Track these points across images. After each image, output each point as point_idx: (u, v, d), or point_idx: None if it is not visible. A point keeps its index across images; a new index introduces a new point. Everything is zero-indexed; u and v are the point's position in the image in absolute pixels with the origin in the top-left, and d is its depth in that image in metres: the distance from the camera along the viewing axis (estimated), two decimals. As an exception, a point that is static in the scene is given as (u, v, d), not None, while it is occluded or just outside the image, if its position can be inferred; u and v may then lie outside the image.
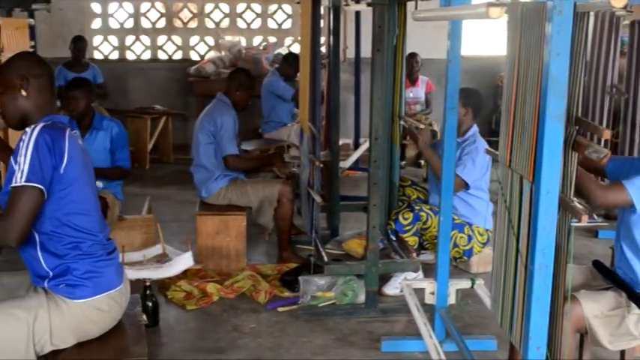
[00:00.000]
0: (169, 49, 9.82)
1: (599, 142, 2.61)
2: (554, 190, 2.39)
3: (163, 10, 9.72)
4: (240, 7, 9.82)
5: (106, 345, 2.80)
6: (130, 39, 9.73)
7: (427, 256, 5.11)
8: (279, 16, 9.90)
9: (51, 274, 2.73)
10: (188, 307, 4.47)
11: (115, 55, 9.77)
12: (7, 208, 2.59)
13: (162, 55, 9.83)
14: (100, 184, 4.68)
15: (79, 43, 8.38)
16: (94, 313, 2.75)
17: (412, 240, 4.80)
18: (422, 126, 5.09)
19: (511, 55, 2.70)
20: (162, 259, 4.53)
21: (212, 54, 9.61)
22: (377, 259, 4.34)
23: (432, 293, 3.90)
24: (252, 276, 4.85)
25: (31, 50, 5.79)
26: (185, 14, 9.86)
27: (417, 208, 4.79)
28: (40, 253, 2.72)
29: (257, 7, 9.83)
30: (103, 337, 2.82)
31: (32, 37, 6.36)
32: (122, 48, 9.73)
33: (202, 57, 9.71)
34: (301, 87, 5.57)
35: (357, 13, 8.18)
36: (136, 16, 9.67)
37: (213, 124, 5.13)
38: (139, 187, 7.29)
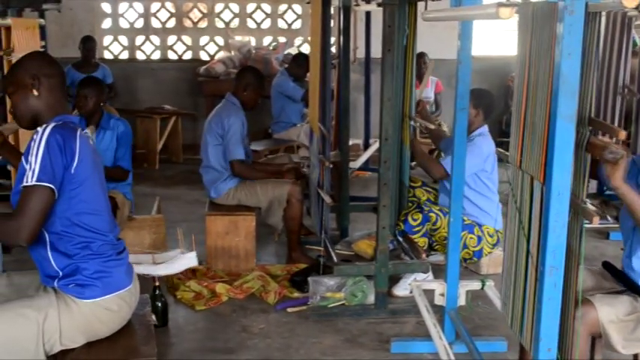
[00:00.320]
0: (179, 49, 9.84)
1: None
2: (565, 191, 2.37)
3: (173, 10, 9.73)
4: (250, 7, 9.82)
5: (116, 345, 2.80)
6: (139, 39, 9.74)
7: (437, 257, 5.10)
8: (289, 16, 9.90)
9: (60, 273, 2.73)
10: (197, 308, 4.47)
11: (124, 55, 9.79)
12: (18, 207, 2.59)
13: (172, 55, 9.84)
14: None
15: (88, 44, 8.40)
16: (103, 313, 2.75)
17: (421, 241, 4.78)
18: (432, 126, 5.08)
19: (522, 55, 2.68)
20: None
21: (222, 54, 9.62)
22: (387, 260, 4.33)
23: (442, 294, 3.89)
24: (261, 276, 4.85)
25: (42, 50, 5.80)
26: (195, 14, 9.87)
27: (427, 208, 4.77)
28: (50, 253, 2.72)
29: (267, 7, 9.83)
30: (113, 337, 2.82)
31: (43, 37, 6.37)
32: (132, 48, 9.75)
33: (212, 57, 9.71)
34: (311, 87, 5.57)
35: (368, 13, 8.17)
36: (146, 16, 9.69)
37: (221, 127, 5.12)
38: (148, 187, 7.30)
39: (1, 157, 3.59)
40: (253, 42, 9.73)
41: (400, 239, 4.91)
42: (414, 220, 4.74)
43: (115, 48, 9.75)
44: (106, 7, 9.59)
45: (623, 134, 2.48)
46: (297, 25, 9.90)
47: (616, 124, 4.51)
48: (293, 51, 9.17)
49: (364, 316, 4.37)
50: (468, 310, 4.21)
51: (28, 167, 2.60)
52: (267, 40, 9.88)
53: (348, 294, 4.51)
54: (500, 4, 2.40)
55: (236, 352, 3.97)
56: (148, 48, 9.79)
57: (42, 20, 6.26)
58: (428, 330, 3.73)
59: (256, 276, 4.84)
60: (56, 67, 2.87)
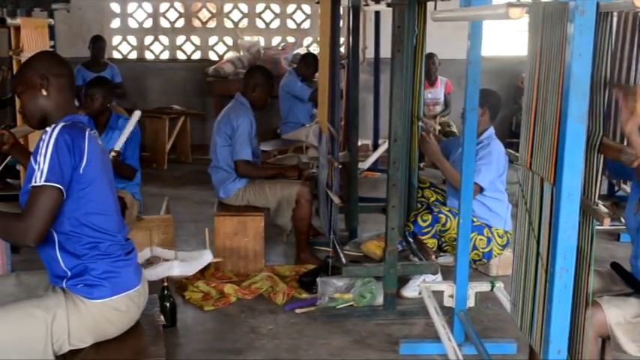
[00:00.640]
0: (188, 49, 9.84)
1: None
2: (575, 192, 2.36)
3: (182, 10, 9.73)
4: (259, 7, 9.82)
5: (124, 345, 2.80)
6: (148, 39, 9.75)
7: (446, 259, 5.09)
8: (298, 16, 9.89)
9: (69, 273, 2.73)
10: (206, 308, 4.46)
11: (133, 55, 9.80)
12: (27, 207, 2.59)
13: (180, 55, 9.84)
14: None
15: (98, 43, 8.43)
16: (112, 313, 2.75)
17: (431, 242, 4.77)
18: (438, 127, 5.05)
19: (532, 55, 2.67)
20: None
21: (231, 54, 9.62)
22: (395, 261, 4.32)
23: (451, 296, 3.88)
24: (270, 277, 4.85)
25: (51, 50, 5.81)
26: (204, 14, 9.87)
27: (436, 210, 4.76)
28: (58, 253, 2.72)
29: (276, 7, 9.83)
30: (121, 337, 2.82)
31: (52, 36, 6.39)
32: (141, 48, 9.76)
33: (221, 57, 9.71)
34: (320, 87, 5.56)
35: (377, 13, 8.16)
36: (155, 16, 9.70)
37: (229, 127, 5.11)
38: (157, 188, 7.31)
39: (11, 158, 3.60)
40: (262, 42, 9.72)
41: (410, 240, 4.90)
42: (424, 221, 4.72)
43: (124, 48, 9.76)
44: (115, 7, 9.61)
45: None
46: (306, 25, 9.89)
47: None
48: (302, 51, 9.16)
49: (373, 318, 4.36)
50: (477, 312, 4.20)
51: (36, 167, 2.60)
52: (276, 40, 9.87)
53: (356, 295, 4.50)
54: (510, 5, 2.39)
55: (244, 353, 3.96)
56: (156, 48, 9.80)
57: (51, 20, 6.28)
58: (437, 331, 3.71)
59: (265, 277, 4.84)
60: (65, 66, 2.87)
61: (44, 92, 2.77)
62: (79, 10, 8.88)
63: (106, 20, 9.56)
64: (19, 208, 2.68)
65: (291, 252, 5.44)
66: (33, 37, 4.94)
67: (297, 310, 4.46)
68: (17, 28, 4.81)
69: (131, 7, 9.64)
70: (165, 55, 9.83)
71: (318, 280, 4.54)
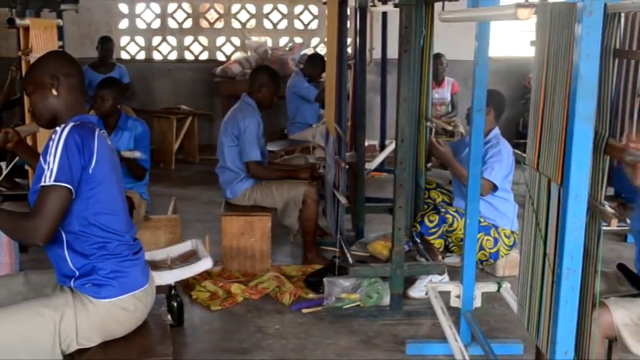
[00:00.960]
0: (196, 49, 9.86)
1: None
2: (582, 193, 2.36)
3: (190, 11, 9.75)
4: (267, 8, 9.83)
5: (131, 344, 2.81)
6: (156, 39, 9.77)
7: (453, 259, 5.09)
8: (306, 17, 9.90)
9: (77, 273, 2.74)
10: (213, 308, 4.47)
11: (141, 56, 9.82)
12: (36, 207, 2.60)
13: (188, 56, 9.86)
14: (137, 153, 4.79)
15: (107, 44, 8.45)
16: (119, 312, 2.76)
17: (438, 242, 4.77)
18: (449, 127, 5.05)
19: (540, 56, 2.67)
20: (189, 257, 4.51)
21: (238, 54, 9.63)
22: (402, 262, 4.32)
23: (458, 296, 3.88)
24: (276, 277, 4.85)
25: (61, 50, 5.83)
26: (211, 15, 9.89)
27: (443, 210, 4.76)
28: (66, 253, 2.73)
29: (283, 8, 9.84)
30: (128, 337, 2.83)
31: (60, 37, 6.40)
32: (149, 48, 9.79)
33: (228, 57, 9.73)
34: (327, 88, 5.56)
35: (384, 14, 8.15)
36: (163, 16, 9.72)
37: (236, 128, 5.12)
38: (164, 187, 7.33)
39: (19, 158, 3.61)
40: (270, 42, 9.74)
41: (417, 240, 4.90)
42: (431, 221, 4.72)
43: (132, 48, 9.79)
44: (123, 8, 9.63)
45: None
46: (314, 25, 9.90)
47: (634, 126, 4.48)
48: (309, 51, 9.17)
49: (379, 318, 4.36)
50: (484, 311, 4.20)
51: (46, 167, 2.60)
52: (283, 41, 9.88)
53: (363, 295, 4.50)
54: (518, 5, 2.39)
55: (251, 353, 3.97)
56: (164, 48, 9.82)
57: (60, 20, 6.30)
58: (443, 332, 3.71)
59: (271, 276, 4.85)
60: (75, 66, 2.88)
61: (54, 92, 2.78)
62: (87, 11, 8.91)
63: (114, 21, 9.58)
64: (27, 208, 2.69)
65: (297, 252, 5.45)
66: (42, 37, 4.96)
67: (304, 310, 4.47)
68: (26, 29, 4.83)
69: (139, 7, 9.67)
70: (173, 56, 9.86)
71: (325, 280, 4.54)
